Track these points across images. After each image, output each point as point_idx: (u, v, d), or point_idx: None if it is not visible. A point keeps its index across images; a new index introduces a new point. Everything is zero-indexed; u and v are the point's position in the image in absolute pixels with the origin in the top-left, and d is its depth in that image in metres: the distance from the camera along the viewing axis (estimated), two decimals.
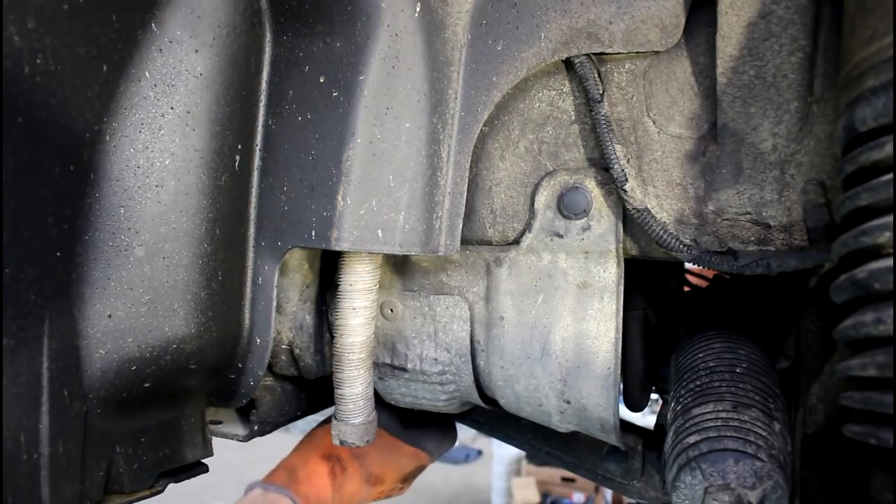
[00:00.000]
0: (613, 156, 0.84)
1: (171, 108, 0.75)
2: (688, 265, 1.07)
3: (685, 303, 1.34)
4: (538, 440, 1.34)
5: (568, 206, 0.89)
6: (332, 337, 0.94)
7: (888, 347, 0.56)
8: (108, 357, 0.72)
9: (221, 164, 0.81)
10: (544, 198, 0.91)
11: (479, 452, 7.26)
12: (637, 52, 0.83)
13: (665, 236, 0.83)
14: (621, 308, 0.88)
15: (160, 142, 0.74)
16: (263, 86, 0.87)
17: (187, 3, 0.75)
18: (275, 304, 0.90)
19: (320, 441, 1.23)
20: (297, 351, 1.06)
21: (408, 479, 1.32)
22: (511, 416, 1.06)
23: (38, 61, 0.60)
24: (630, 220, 0.87)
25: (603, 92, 0.85)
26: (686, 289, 1.44)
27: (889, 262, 0.56)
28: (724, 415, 0.82)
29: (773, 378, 0.90)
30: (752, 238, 0.82)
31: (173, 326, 0.78)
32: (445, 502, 6.24)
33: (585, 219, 0.89)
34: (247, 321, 0.90)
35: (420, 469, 1.33)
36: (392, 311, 1.01)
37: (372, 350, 0.94)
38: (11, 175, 0.58)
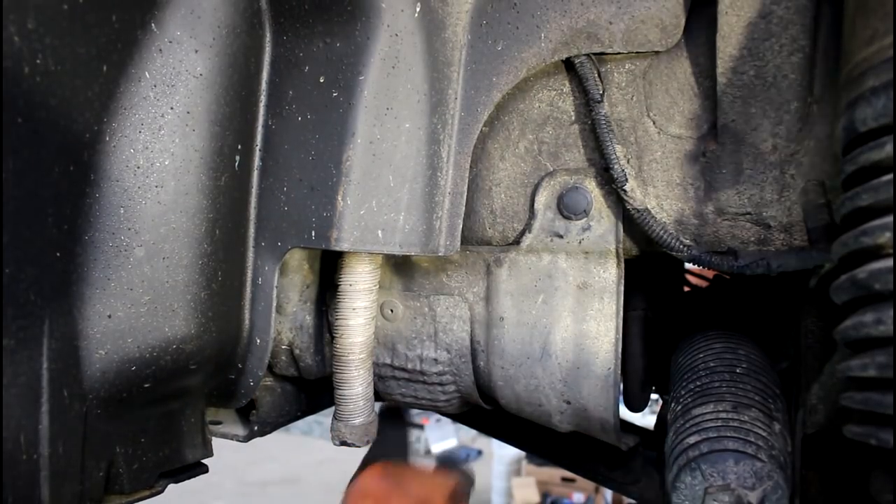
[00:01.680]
0: (613, 156, 0.84)
1: (171, 108, 0.75)
2: (688, 265, 1.07)
3: (685, 303, 1.33)
4: (538, 440, 1.34)
5: (568, 207, 0.89)
6: (333, 337, 0.94)
7: (888, 348, 0.56)
8: (108, 357, 0.72)
9: (221, 164, 0.81)
10: (544, 198, 0.91)
11: (479, 452, 7.25)
12: (637, 53, 0.83)
13: (665, 236, 0.83)
14: (621, 308, 0.88)
15: (160, 142, 0.74)
16: (263, 86, 0.87)
17: (187, 3, 0.75)
18: (275, 304, 0.90)
19: (354, 489, 1.24)
20: (297, 351, 1.06)
21: (459, 499, 1.31)
22: (511, 416, 1.06)
23: (38, 61, 0.60)
24: (630, 221, 0.87)
25: (603, 92, 0.85)
26: (686, 289, 1.44)
27: (889, 262, 0.56)
28: (724, 415, 0.82)
29: (773, 378, 0.90)
30: (752, 238, 0.82)
31: (173, 327, 0.78)
32: None
33: (585, 219, 0.89)
34: (247, 321, 0.90)
35: (464, 487, 1.33)
36: (392, 311, 1.01)
37: (372, 350, 0.94)
38: (11, 175, 0.58)
